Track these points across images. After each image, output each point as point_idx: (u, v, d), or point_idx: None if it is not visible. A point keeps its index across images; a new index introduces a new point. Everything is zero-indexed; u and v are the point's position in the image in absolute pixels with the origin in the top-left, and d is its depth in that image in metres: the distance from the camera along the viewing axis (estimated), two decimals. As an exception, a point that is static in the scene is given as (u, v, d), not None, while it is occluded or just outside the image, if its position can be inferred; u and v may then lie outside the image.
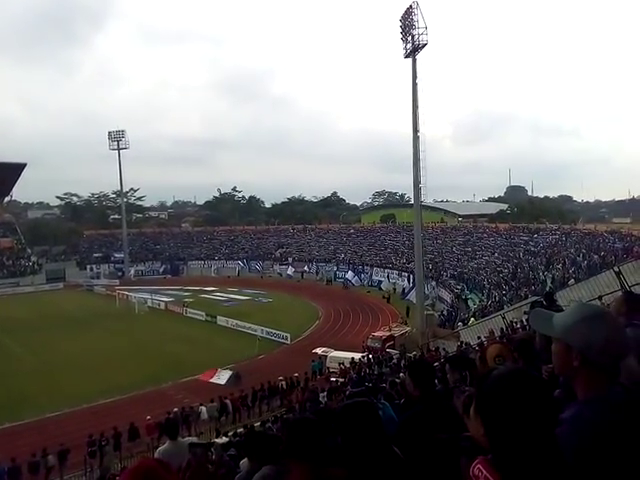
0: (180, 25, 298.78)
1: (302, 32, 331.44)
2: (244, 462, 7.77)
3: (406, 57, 37.80)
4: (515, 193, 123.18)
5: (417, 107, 36.74)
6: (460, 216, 76.09)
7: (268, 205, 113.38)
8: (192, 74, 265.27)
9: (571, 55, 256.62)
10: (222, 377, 27.79)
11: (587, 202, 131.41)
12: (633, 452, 1.47)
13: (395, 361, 26.00)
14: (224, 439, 15.69)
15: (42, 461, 18.02)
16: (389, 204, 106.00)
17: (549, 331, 1.79)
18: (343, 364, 27.17)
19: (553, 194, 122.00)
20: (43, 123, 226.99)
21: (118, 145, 76.18)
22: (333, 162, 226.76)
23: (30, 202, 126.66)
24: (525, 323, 15.92)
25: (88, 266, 74.98)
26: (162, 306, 50.09)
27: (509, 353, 4.12)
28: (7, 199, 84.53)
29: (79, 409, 24.86)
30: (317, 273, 66.39)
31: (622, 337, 1.67)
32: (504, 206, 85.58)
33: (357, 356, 28.10)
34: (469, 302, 40.25)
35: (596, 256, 34.30)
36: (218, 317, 42.78)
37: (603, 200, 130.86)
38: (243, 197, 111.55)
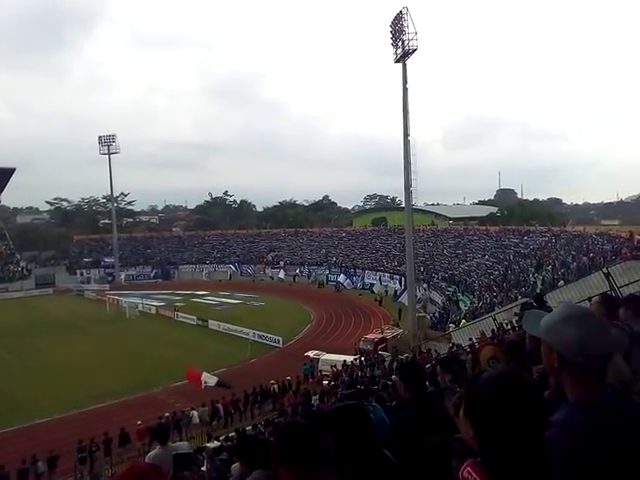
0: (170, 30, 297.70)
1: (293, 37, 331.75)
2: (235, 466, 7.75)
3: (396, 62, 37.96)
4: (505, 196, 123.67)
5: (407, 111, 36.90)
6: (451, 219, 76.37)
7: (260, 209, 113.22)
8: (183, 79, 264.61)
9: (560, 60, 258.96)
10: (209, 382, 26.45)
11: (576, 204, 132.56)
12: (623, 456, 1.47)
13: (387, 363, 26.03)
14: (216, 443, 15.61)
15: (31, 468, 17.81)
16: (380, 207, 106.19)
17: (535, 331, 1.80)
18: (335, 367, 27.12)
19: (542, 197, 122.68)
20: (32, 127, 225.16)
21: (108, 150, 75.73)
22: (324, 166, 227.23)
23: (19, 207, 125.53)
24: (515, 324, 16.00)
25: (78, 271, 74.27)
26: (153, 310, 49.75)
27: (503, 355, 4.14)
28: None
29: (69, 415, 24.64)
30: (309, 277, 66.32)
31: (600, 338, 1.63)
32: (494, 209, 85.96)
33: (349, 359, 28.07)
34: (460, 304, 40.41)
35: (585, 258, 34.57)
36: (209, 321, 42.56)
37: (592, 202, 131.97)
38: (234, 201, 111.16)
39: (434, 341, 28.07)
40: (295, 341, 38.05)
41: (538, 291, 25.64)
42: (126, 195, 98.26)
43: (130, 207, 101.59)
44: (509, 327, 16.50)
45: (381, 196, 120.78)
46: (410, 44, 36.64)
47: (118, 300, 52.84)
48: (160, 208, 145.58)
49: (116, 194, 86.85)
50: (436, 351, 24.00)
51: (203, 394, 24.81)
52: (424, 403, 3.39)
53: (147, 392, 27.43)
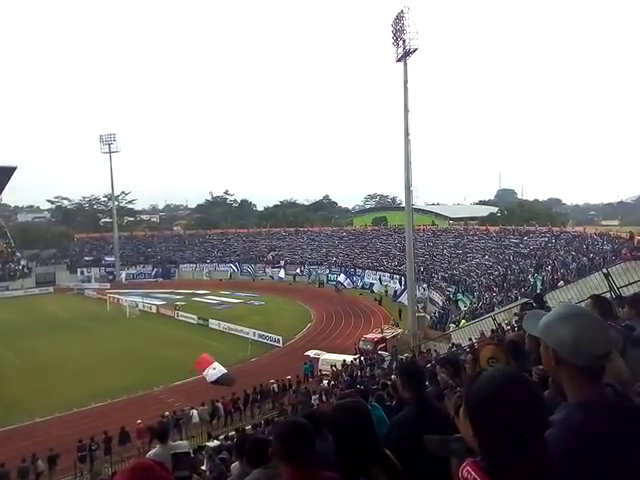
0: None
1: (295, 36, 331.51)
2: (235, 465, 7.76)
3: (397, 61, 37.94)
4: (505, 196, 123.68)
5: (408, 111, 36.89)
6: (451, 219, 76.32)
7: (260, 208, 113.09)
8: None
9: (560, 59, 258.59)
10: (213, 373, 26.13)
11: (576, 205, 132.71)
12: (622, 455, 1.48)
13: (387, 363, 26.01)
14: (215, 442, 15.63)
15: (32, 466, 17.86)
16: (381, 207, 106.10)
17: (534, 331, 1.80)
18: (335, 366, 27.13)
19: (542, 197, 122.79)
20: (34, 126, 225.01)
21: (109, 148, 75.79)
22: (325, 165, 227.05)
23: (20, 206, 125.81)
24: (515, 325, 15.98)
25: (79, 270, 74.27)
26: (153, 309, 49.76)
27: (503, 355, 4.13)
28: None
29: (69, 413, 24.70)
30: (309, 276, 66.29)
31: (595, 337, 1.62)
32: (494, 209, 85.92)
33: (349, 358, 28.07)
34: (459, 303, 40.39)
35: (585, 258, 34.53)
36: (210, 320, 42.56)
37: (592, 203, 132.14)
38: (235, 200, 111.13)
39: (434, 341, 28.03)
40: (295, 340, 38.05)
41: (538, 291, 25.62)
42: (127, 194, 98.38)
43: (131, 206, 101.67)
44: (509, 327, 16.47)
45: (381, 195, 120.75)
46: (411, 43, 36.65)
47: (119, 299, 52.87)
48: (161, 207, 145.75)
49: (117, 193, 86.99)
50: (436, 351, 23.98)
51: (203, 393, 24.85)
52: (424, 403, 3.39)
53: (147, 391, 27.45)
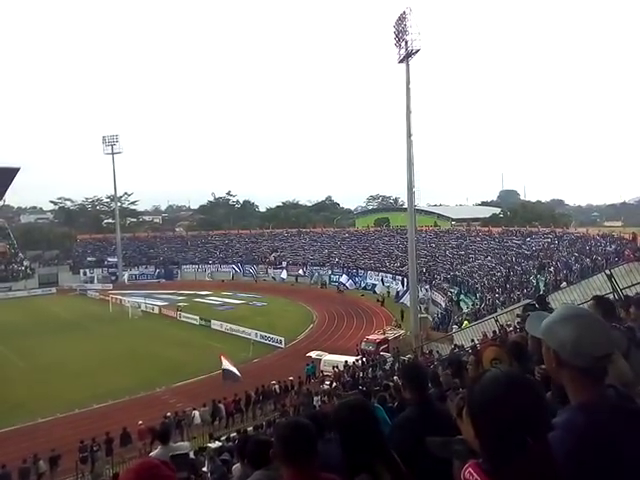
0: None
1: (297, 38, 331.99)
2: (236, 467, 7.74)
3: (400, 62, 37.90)
4: (508, 197, 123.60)
5: (410, 111, 36.85)
6: (453, 220, 76.15)
7: (262, 209, 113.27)
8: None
9: (561, 58, 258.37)
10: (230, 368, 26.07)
11: (579, 206, 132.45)
12: (625, 457, 1.47)
13: (389, 364, 25.96)
14: (217, 444, 15.61)
15: (33, 467, 17.87)
16: (383, 208, 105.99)
17: (536, 332, 1.79)
18: (337, 367, 27.09)
19: (545, 198, 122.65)
20: (37, 127, 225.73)
21: (112, 149, 75.95)
22: (328, 166, 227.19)
23: (23, 207, 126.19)
24: (517, 326, 15.94)
25: (81, 270, 74.39)
26: (156, 310, 49.79)
27: (506, 356, 4.12)
28: (0, 204, 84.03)
29: (71, 414, 24.70)
30: (311, 277, 66.25)
31: (596, 338, 1.61)
32: (497, 210, 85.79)
33: (351, 359, 28.03)
34: (461, 304, 40.33)
35: (588, 259, 34.42)
36: (212, 321, 42.57)
37: (595, 204, 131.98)
38: (237, 201, 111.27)
39: (436, 342, 27.99)
40: (297, 341, 38.01)
41: (540, 292, 25.54)
42: (130, 195, 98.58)
43: (133, 207, 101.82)
44: (511, 328, 16.44)
45: (384, 196, 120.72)
46: (413, 44, 36.60)
47: (121, 300, 52.93)
48: (163, 208, 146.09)
49: (120, 194, 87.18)
50: (438, 352, 23.94)
51: (205, 394, 24.86)
52: (426, 404, 3.38)
53: (149, 392, 27.46)
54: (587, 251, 37.04)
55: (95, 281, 70.82)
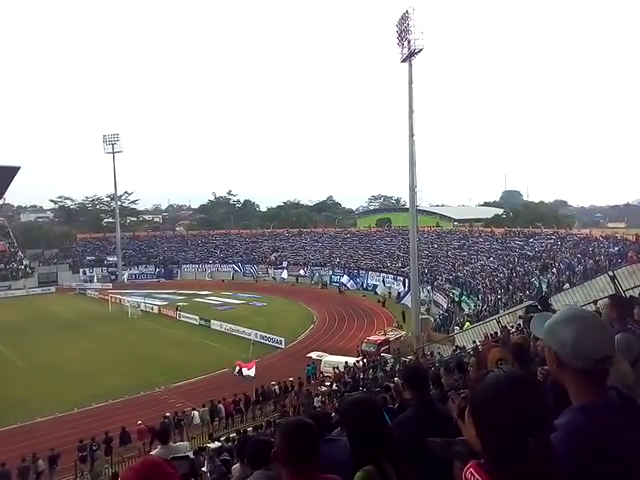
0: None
1: (299, 37, 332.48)
2: (236, 467, 7.70)
3: (402, 62, 37.89)
4: (510, 197, 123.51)
5: (413, 111, 36.82)
6: (455, 220, 76.15)
7: (263, 209, 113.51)
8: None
9: (564, 58, 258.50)
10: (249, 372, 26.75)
11: (582, 207, 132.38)
12: (626, 458, 1.46)
13: (390, 365, 25.92)
14: (216, 444, 15.57)
15: (32, 466, 17.87)
16: (385, 208, 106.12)
17: (539, 333, 1.82)
18: (337, 368, 27.05)
19: (548, 199, 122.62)
20: (37, 126, 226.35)
21: (113, 148, 76.13)
22: (329, 166, 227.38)
23: (23, 205, 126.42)
24: (520, 327, 15.89)
25: (81, 270, 74.51)
26: (155, 310, 49.84)
27: (511, 357, 4.09)
28: (0, 202, 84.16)
29: (70, 413, 24.71)
30: (312, 277, 66.25)
31: (596, 340, 1.60)
32: (499, 210, 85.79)
33: (352, 360, 28.00)
34: (463, 305, 40.30)
35: (591, 260, 34.39)
36: (212, 321, 42.59)
37: (598, 205, 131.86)
38: (238, 201, 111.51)
39: (437, 343, 27.98)
40: (298, 342, 37.99)
41: (543, 294, 25.50)
42: (130, 194, 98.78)
43: (134, 206, 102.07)
44: (513, 330, 16.39)
45: (385, 197, 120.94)
46: (416, 44, 36.60)
47: (121, 299, 53.02)
48: (164, 207, 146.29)
49: (120, 193, 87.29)
50: (439, 353, 23.93)
51: (204, 394, 24.86)
52: (426, 404, 3.37)
53: (148, 392, 27.44)
54: (590, 252, 37.03)
55: (95, 280, 70.93)
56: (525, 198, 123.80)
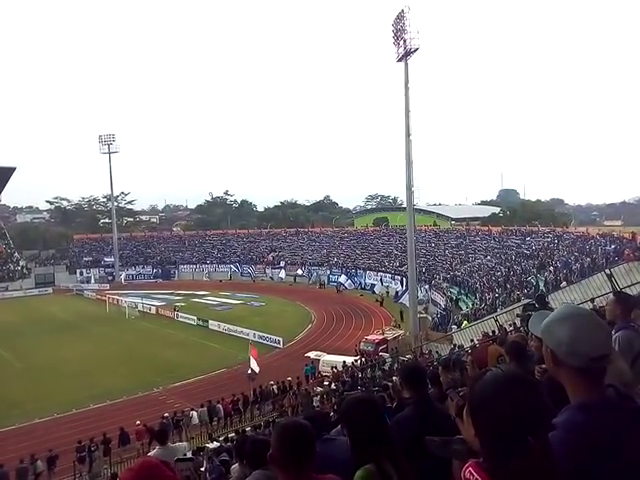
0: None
1: (295, 37, 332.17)
2: (235, 467, 7.69)
3: (398, 61, 37.94)
4: (507, 196, 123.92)
5: (409, 111, 36.88)
6: (453, 219, 76.32)
7: (260, 209, 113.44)
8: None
9: (562, 60, 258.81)
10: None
11: (579, 205, 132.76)
12: (625, 456, 1.46)
13: (388, 365, 25.92)
14: (215, 444, 15.55)
15: (30, 467, 17.80)
16: (382, 207, 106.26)
17: (537, 331, 1.81)
18: (336, 368, 27.04)
19: (545, 197, 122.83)
20: (33, 126, 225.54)
21: (109, 149, 75.95)
22: (326, 166, 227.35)
23: (19, 206, 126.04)
24: (518, 325, 15.94)
25: (78, 270, 74.25)
26: (153, 310, 49.68)
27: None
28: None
29: (68, 414, 24.62)
30: (310, 277, 66.22)
31: (592, 338, 1.60)
32: (496, 209, 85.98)
33: (350, 360, 27.99)
34: (460, 303, 40.31)
35: (588, 259, 34.44)
36: (210, 321, 42.52)
37: (594, 203, 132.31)
38: (235, 201, 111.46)
39: (435, 342, 27.98)
40: (296, 342, 37.96)
41: (540, 292, 25.53)
42: (126, 194, 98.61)
43: (130, 206, 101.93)
44: (511, 328, 16.43)
45: (383, 196, 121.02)
46: (412, 43, 36.64)
47: (118, 300, 52.84)
48: (160, 207, 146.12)
49: (116, 193, 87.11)
50: (437, 352, 23.94)
51: (203, 394, 24.84)
52: (424, 403, 3.37)
53: (146, 392, 27.38)
54: (587, 250, 37.07)
55: (92, 281, 70.74)
56: (522, 196, 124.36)
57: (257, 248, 77.57)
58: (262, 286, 64.22)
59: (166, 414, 21.39)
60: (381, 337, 32.60)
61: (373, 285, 58.51)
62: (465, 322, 30.31)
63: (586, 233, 43.51)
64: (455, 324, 33.08)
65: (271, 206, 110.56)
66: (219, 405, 22.95)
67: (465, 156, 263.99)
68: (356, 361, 27.64)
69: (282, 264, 70.56)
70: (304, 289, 61.42)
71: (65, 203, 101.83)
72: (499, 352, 4.06)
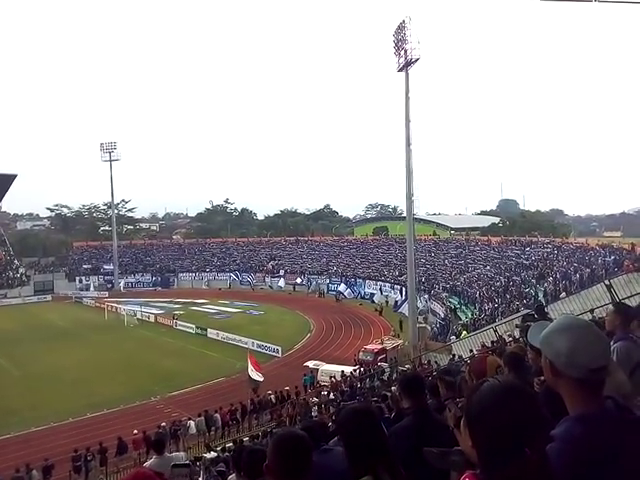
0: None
1: (296, 46, 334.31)
2: (232, 478, 7.62)
3: (399, 71, 38.19)
4: (507, 206, 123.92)
5: (409, 120, 37.07)
6: (452, 229, 76.32)
7: (260, 217, 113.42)
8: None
9: (552, 70, 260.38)
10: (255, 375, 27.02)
11: (578, 216, 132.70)
12: (622, 468, 1.44)
13: (387, 374, 25.82)
14: (213, 454, 15.44)
15: (26, 476, 17.62)
16: (382, 217, 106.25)
17: (536, 342, 1.81)
18: (334, 377, 26.92)
19: (545, 207, 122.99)
20: (34, 134, 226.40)
21: (110, 156, 76.13)
22: (326, 175, 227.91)
23: (19, 213, 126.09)
24: (517, 336, 15.88)
25: (77, 278, 74.09)
26: (152, 318, 49.55)
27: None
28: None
29: (65, 423, 24.48)
30: (309, 286, 66.11)
31: (591, 349, 1.59)
32: (496, 219, 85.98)
33: (348, 369, 27.87)
34: (459, 313, 40.23)
35: (587, 269, 34.43)
36: (208, 330, 42.39)
37: (594, 214, 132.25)
38: (235, 209, 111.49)
39: (435, 352, 27.89)
40: (295, 351, 37.83)
41: (539, 302, 25.49)
42: (127, 202, 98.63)
43: (130, 214, 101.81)
44: (510, 339, 16.37)
45: (382, 205, 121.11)
46: (413, 53, 36.93)
47: (117, 308, 52.73)
48: (161, 215, 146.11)
49: (117, 201, 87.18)
50: (437, 362, 23.85)
51: (200, 404, 24.72)
52: (423, 413, 3.36)
53: (144, 401, 27.25)
54: (586, 261, 37.08)
55: (91, 289, 70.57)
56: (521, 207, 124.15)
57: (257, 256, 77.53)
58: (261, 295, 64.12)
59: (163, 423, 21.24)
60: (380, 347, 32.47)
61: (372, 294, 58.38)
62: (464, 332, 30.21)
63: (586, 244, 43.54)
64: (454, 334, 33.00)
65: (271, 214, 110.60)
66: (217, 415, 22.84)
67: (465, 166, 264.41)
68: (355, 371, 27.54)
69: (281, 273, 70.49)
70: (303, 298, 61.30)
71: (65, 210, 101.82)
72: (498, 363, 4.04)
